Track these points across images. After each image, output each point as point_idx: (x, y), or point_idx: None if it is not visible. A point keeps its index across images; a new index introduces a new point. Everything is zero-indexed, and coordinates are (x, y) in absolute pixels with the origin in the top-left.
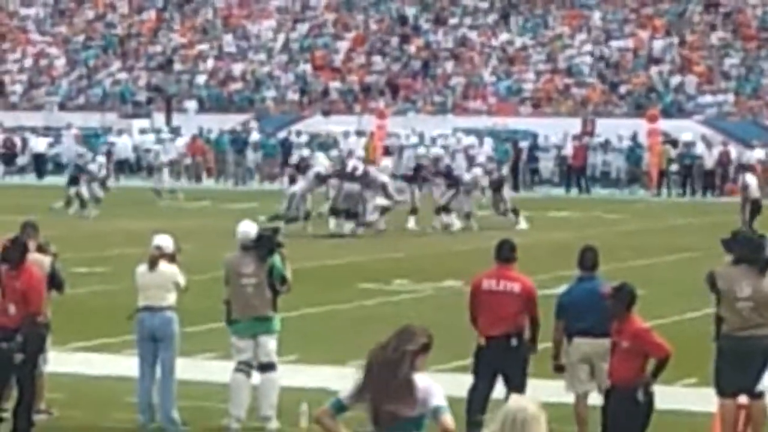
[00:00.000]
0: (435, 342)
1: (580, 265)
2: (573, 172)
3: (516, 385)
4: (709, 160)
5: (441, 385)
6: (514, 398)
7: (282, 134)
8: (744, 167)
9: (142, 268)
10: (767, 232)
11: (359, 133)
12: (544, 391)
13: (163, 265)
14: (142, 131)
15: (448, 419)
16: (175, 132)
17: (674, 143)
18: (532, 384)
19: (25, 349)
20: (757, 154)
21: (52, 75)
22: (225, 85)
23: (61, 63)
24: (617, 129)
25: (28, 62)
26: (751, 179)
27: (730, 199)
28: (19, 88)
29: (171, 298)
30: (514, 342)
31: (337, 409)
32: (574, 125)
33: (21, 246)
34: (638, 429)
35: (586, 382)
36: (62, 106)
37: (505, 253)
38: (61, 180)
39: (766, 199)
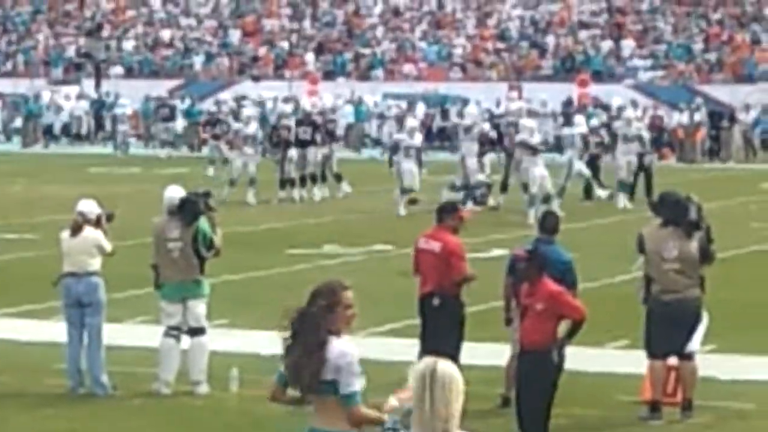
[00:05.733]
0: (366, 306)
1: (540, 228)
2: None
3: (433, 346)
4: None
5: (373, 349)
6: (431, 358)
7: (209, 102)
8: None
9: (65, 234)
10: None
11: (287, 99)
12: (474, 353)
13: (87, 231)
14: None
15: (356, 409)
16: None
17: (605, 108)
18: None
19: None
20: (685, 118)
21: None
22: (154, 51)
23: None
24: (547, 94)
25: None
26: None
27: (661, 163)
28: None
29: (96, 264)
30: (435, 302)
31: (283, 383)
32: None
33: None
34: (548, 391)
35: None
36: None
37: (439, 214)
38: None
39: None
